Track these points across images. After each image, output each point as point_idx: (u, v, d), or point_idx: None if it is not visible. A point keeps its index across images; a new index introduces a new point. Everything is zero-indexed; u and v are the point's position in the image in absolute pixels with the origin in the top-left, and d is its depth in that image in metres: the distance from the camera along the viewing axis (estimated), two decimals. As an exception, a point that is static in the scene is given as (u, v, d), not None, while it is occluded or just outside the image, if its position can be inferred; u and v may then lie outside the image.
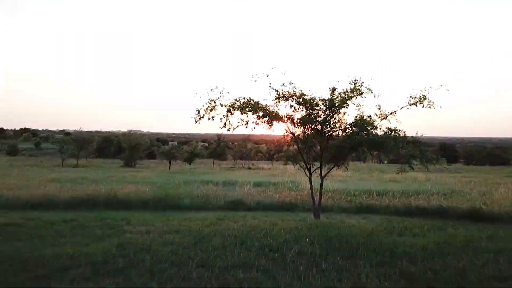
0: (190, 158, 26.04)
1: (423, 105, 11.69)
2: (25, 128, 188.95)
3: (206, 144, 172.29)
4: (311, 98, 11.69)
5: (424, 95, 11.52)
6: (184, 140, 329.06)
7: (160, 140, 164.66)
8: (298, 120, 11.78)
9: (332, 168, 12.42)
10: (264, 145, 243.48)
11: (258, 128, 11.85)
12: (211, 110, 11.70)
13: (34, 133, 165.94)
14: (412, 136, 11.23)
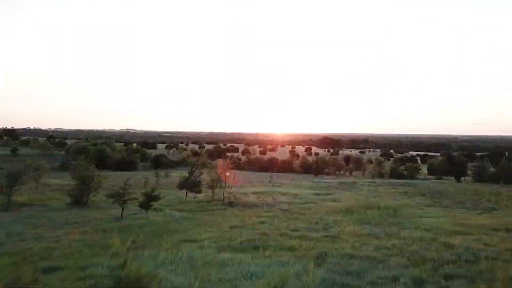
0: (147, 204, 19.09)
1: None
2: (7, 128, 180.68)
3: (197, 148, 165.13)
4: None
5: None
6: (176, 141, 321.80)
7: (148, 143, 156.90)
8: None
9: None
10: (257, 146, 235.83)
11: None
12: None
13: (15, 136, 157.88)
14: None
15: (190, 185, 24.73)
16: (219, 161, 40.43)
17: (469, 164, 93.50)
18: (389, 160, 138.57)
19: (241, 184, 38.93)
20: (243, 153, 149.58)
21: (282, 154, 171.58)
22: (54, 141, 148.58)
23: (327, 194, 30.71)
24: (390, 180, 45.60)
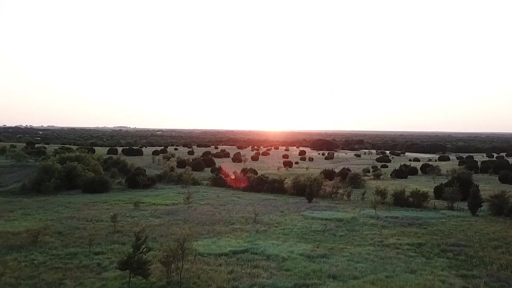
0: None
1: None
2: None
3: (186, 153, 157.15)
4: None
5: None
6: (168, 141, 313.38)
7: (133, 150, 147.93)
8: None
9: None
10: (250, 147, 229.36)
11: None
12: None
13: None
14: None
15: (134, 266, 17.74)
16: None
17: (476, 175, 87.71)
18: (387, 166, 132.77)
19: (218, 229, 31.96)
20: (234, 159, 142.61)
21: (275, 158, 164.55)
22: (34, 147, 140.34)
23: (323, 257, 23.89)
24: (397, 215, 38.80)
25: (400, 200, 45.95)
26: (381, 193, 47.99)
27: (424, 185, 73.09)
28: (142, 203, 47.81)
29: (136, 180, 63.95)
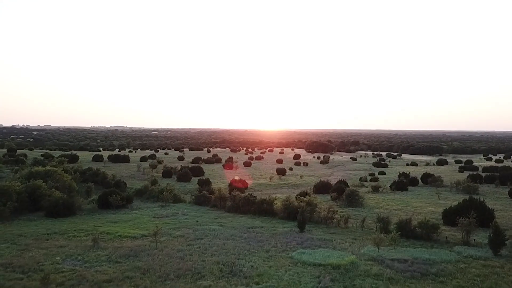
0: None
1: None
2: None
3: (176, 162, 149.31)
4: None
5: None
6: (161, 143, 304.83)
7: (120, 156, 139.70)
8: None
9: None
10: (244, 149, 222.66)
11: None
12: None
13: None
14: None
15: None
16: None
17: (481, 187, 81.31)
18: (384, 173, 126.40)
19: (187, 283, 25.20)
20: (226, 166, 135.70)
21: (269, 163, 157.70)
22: (14, 155, 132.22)
23: None
24: (404, 257, 32.36)
25: (406, 231, 39.48)
26: (384, 220, 41.50)
27: (428, 201, 66.69)
28: (107, 233, 41.11)
29: (109, 201, 56.94)
